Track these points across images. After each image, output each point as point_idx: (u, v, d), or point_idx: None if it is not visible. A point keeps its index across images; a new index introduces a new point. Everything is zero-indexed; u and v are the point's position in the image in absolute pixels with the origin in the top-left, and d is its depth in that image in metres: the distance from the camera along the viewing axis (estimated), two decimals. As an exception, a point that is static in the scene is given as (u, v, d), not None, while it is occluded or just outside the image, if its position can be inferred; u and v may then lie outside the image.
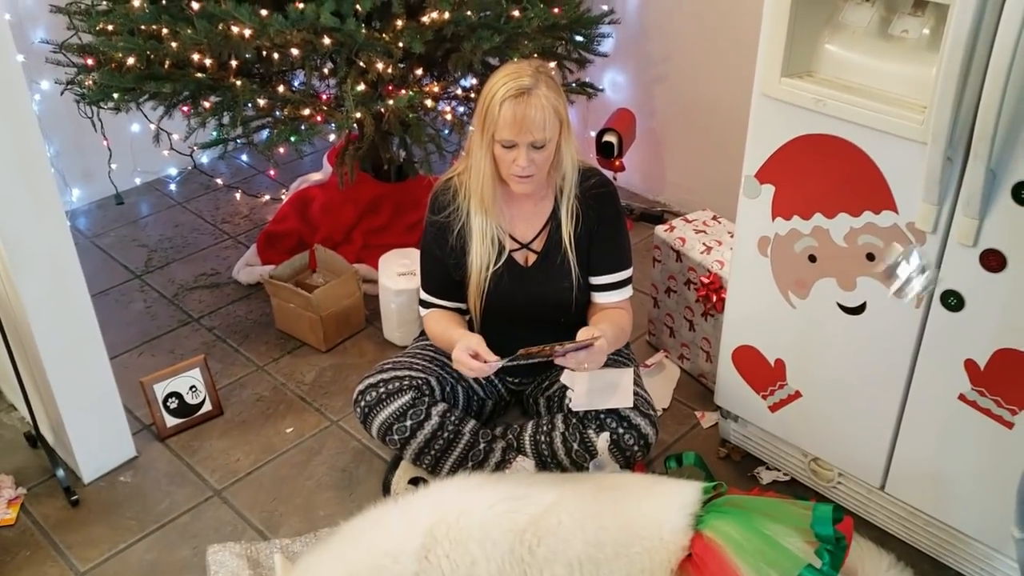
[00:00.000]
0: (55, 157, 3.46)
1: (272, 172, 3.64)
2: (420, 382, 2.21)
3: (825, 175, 1.90)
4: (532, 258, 2.22)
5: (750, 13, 2.72)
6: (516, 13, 2.76)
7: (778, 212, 2.01)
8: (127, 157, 3.65)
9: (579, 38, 3.02)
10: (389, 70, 2.66)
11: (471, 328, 2.26)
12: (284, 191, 3.63)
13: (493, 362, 2.03)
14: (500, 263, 2.17)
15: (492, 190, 2.10)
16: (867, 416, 2.05)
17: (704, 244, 2.55)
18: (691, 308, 2.61)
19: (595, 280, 2.24)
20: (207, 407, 2.60)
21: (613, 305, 2.24)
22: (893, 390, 1.98)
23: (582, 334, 2.07)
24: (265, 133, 2.85)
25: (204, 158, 3.88)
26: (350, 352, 2.87)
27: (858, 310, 1.96)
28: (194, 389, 2.57)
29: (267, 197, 3.64)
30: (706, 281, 2.49)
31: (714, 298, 2.46)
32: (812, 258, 1.99)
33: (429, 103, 2.72)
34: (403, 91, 2.66)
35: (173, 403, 2.55)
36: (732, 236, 2.56)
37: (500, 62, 2.73)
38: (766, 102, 1.95)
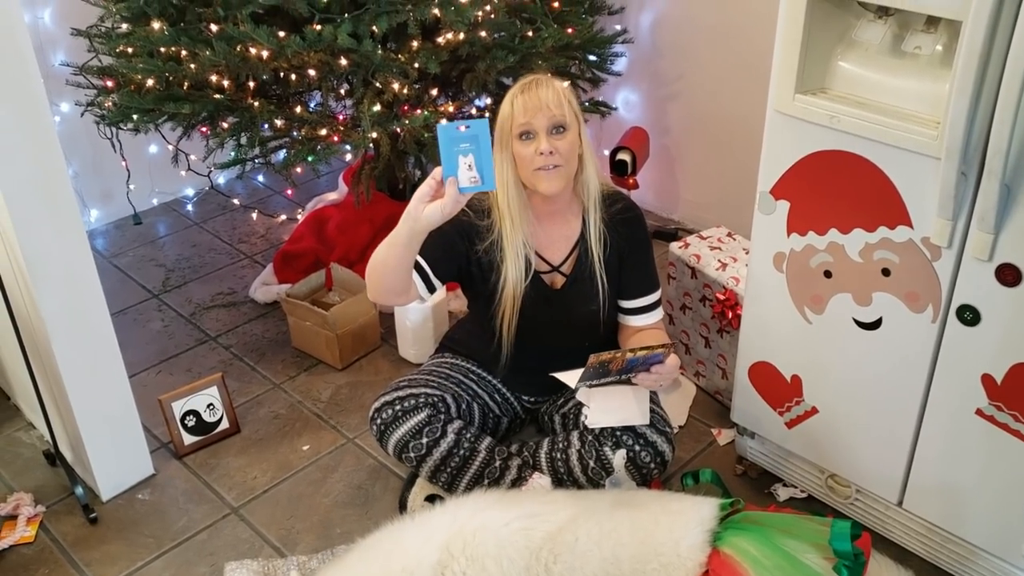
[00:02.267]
0: (74, 178, 3.50)
1: (289, 192, 3.67)
2: (436, 399, 2.22)
3: (840, 191, 1.91)
4: (561, 281, 2.23)
5: (763, 31, 2.73)
6: (530, 33, 2.79)
7: (793, 228, 2.02)
8: (145, 178, 3.69)
9: (593, 57, 3.04)
10: (405, 90, 2.68)
11: (499, 351, 2.25)
12: (300, 211, 3.66)
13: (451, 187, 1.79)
14: (527, 281, 2.17)
15: (517, 197, 2.11)
16: (884, 432, 2.04)
17: (719, 261, 2.56)
18: (706, 325, 2.61)
19: (629, 304, 2.26)
20: (224, 425, 2.61)
21: (649, 327, 2.25)
22: (910, 405, 1.97)
23: (651, 336, 2.15)
24: (282, 153, 2.88)
25: (221, 179, 3.92)
26: (366, 370, 2.88)
27: (874, 325, 1.96)
28: (211, 407, 2.59)
29: (283, 217, 3.67)
30: (722, 298, 2.49)
31: (730, 315, 2.46)
32: (828, 274, 1.99)
33: (444, 123, 2.75)
34: (418, 111, 2.68)
35: (191, 421, 2.56)
36: (747, 252, 2.57)
37: (514, 82, 2.76)
38: (780, 119, 1.95)
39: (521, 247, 2.16)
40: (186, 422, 2.56)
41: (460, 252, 2.19)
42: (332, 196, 3.73)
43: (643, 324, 2.28)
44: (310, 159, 2.70)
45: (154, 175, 3.71)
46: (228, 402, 2.61)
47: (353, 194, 3.12)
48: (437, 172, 1.79)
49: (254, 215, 3.70)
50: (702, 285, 2.57)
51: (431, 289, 2.16)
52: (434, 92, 2.82)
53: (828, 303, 2.02)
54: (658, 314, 2.29)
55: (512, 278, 2.17)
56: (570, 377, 2.04)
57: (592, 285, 2.22)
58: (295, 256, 3.30)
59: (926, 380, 1.93)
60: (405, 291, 2.10)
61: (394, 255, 1.97)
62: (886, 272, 1.90)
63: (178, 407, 2.55)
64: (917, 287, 1.86)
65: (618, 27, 3.24)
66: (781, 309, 2.11)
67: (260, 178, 3.97)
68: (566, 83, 2.19)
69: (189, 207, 3.82)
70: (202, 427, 2.58)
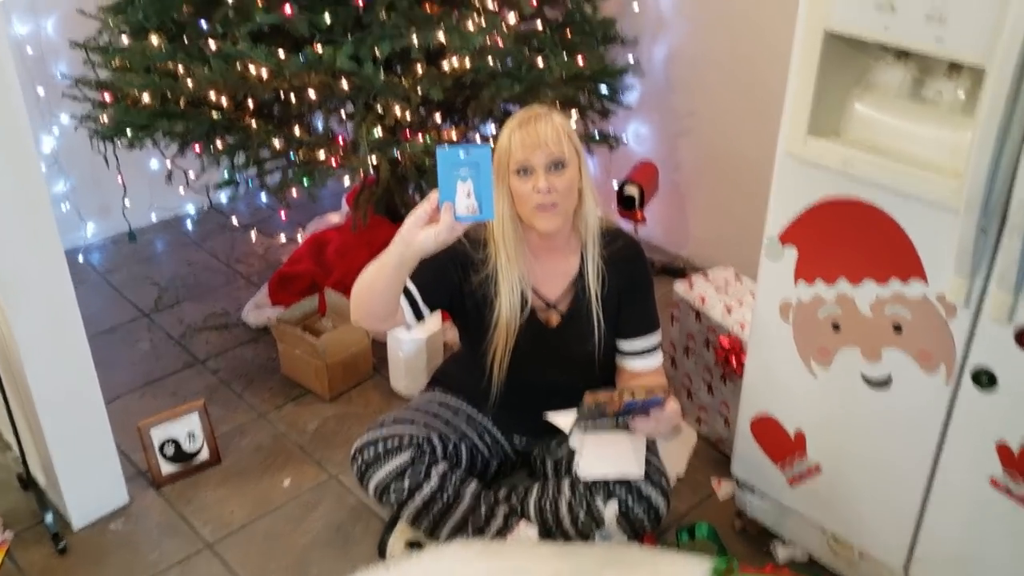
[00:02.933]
0: (71, 191, 3.44)
1: (283, 214, 3.58)
2: (420, 440, 2.12)
3: (851, 240, 1.81)
4: (556, 319, 2.14)
5: (777, 69, 2.64)
6: (539, 62, 2.70)
7: (801, 275, 1.92)
8: (145, 193, 3.62)
9: (603, 88, 2.96)
10: (407, 115, 2.60)
11: (489, 388, 2.17)
12: (301, 231, 3.58)
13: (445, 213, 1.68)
14: (523, 318, 2.09)
15: (513, 232, 2.03)
16: (891, 495, 1.93)
17: (725, 304, 2.45)
18: (710, 370, 2.51)
19: (627, 346, 2.16)
20: (204, 455, 2.52)
21: (649, 371, 2.16)
22: (919, 470, 1.86)
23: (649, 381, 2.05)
24: (279, 174, 2.80)
25: (223, 197, 3.84)
26: (355, 401, 2.78)
27: (883, 383, 1.86)
28: (192, 435, 2.50)
29: (283, 238, 3.59)
30: (726, 344, 2.38)
31: (734, 361, 2.36)
32: (836, 326, 1.89)
33: (444, 147, 2.66)
34: (420, 137, 2.60)
35: (170, 449, 2.47)
36: (755, 296, 2.47)
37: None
38: (790, 162, 1.86)
39: (516, 283, 2.08)
40: (164, 450, 2.47)
41: (453, 282, 2.10)
42: (335, 219, 3.65)
43: (642, 368, 2.18)
44: (305, 182, 2.62)
45: (154, 191, 3.64)
46: (209, 431, 2.52)
47: (353, 214, 3.05)
48: (434, 196, 1.70)
49: (253, 235, 3.62)
50: (706, 328, 2.47)
51: (419, 316, 2.07)
52: (437, 118, 2.74)
53: (835, 357, 1.92)
54: (657, 358, 2.19)
55: (506, 314, 2.08)
56: (564, 419, 1.95)
57: (588, 324, 2.13)
58: (291, 279, 3.22)
59: (936, 444, 1.82)
60: (390, 316, 2.01)
61: (382, 278, 1.88)
62: (897, 328, 1.79)
63: (157, 434, 2.46)
64: (930, 346, 1.76)
65: (631, 57, 3.16)
66: (786, 360, 2.01)
67: (263, 197, 3.90)
68: (572, 112, 2.10)
69: (188, 224, 3.75)
70: (181, 456, 2.49)
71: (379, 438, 2.12)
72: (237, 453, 2.58)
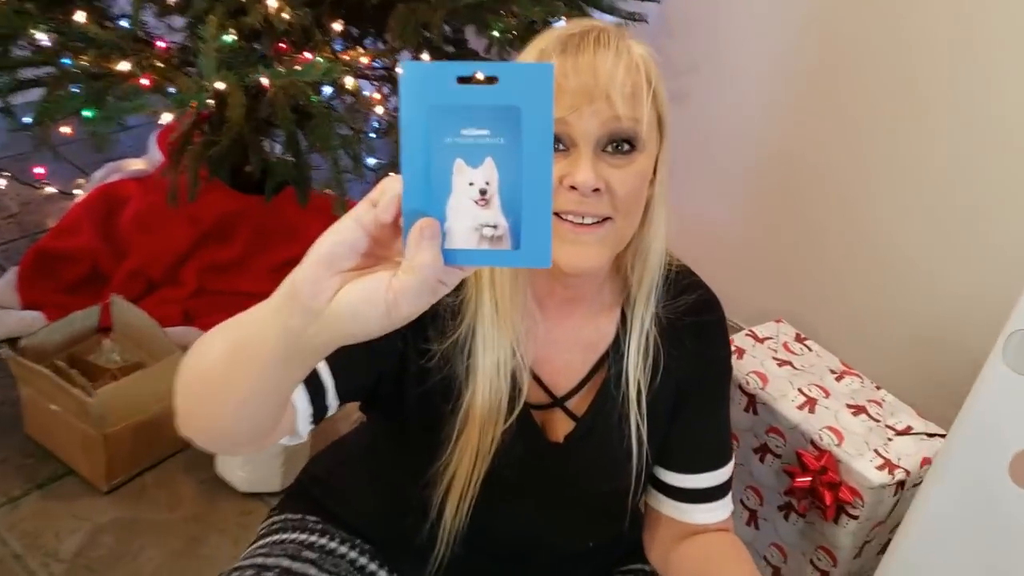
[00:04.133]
0: None
1: (41, 170, 2.35)
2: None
3: None
4: (566, 427, 1.12)
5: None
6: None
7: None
8: None
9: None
10: (285, 14, 1.49)
11: (431, 541, 1.12)
12: (82, 182, 2.49)
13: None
14: (510, 422, 1.06)
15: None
16: None
17: (800, 391, 1.51)
18: (759, 492, 1.56)
19: (680, 480, 1.17)
20: None
21: (717, 527, 1.18)
22: None
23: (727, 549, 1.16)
24: (37, 93, 1.63)
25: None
26: (150, 497, 1.67)
27: None
28: None
29: (52, 189, 2.40)
30: (814, 464, 1.43)
31: (826, 497, 1.41)
32: None
33: (349, 82, 1.56)
34: (309, 55, 1.49)
35: None
36: (839, 378, 1.54)
37: (488, 34, 1.62)
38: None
39: (506, 356, 1.05)
40: None
41: (393, 350, 1.04)
42: (137, 164, 2.62)
43: (705, 520, 1.19)
44: (89, 114, 1.46)
45: None
46: None
47: (169, 174, 1.93)
48: (388, 192, 0.64)
49: (2, 182, 2.38)
50: (766, 428, 1.52)
51: (318, 418, 1.00)
52: (336, 27, 1.62)
53: None
54: (728, 505, 1.22)
55: (481, 412, 1.06)
56: None
57: (622, 442, 1.13)
58: (60, 261, 2.22)
59: None
60: (264, 434, 0.92)
61: (251, 373, 0.78)
62: None
63: None
64: None
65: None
66: (1005, 550, 1.09)
67: (27, 119, 2.65)
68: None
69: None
70: None
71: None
72: (-81, 599, 1.42)
